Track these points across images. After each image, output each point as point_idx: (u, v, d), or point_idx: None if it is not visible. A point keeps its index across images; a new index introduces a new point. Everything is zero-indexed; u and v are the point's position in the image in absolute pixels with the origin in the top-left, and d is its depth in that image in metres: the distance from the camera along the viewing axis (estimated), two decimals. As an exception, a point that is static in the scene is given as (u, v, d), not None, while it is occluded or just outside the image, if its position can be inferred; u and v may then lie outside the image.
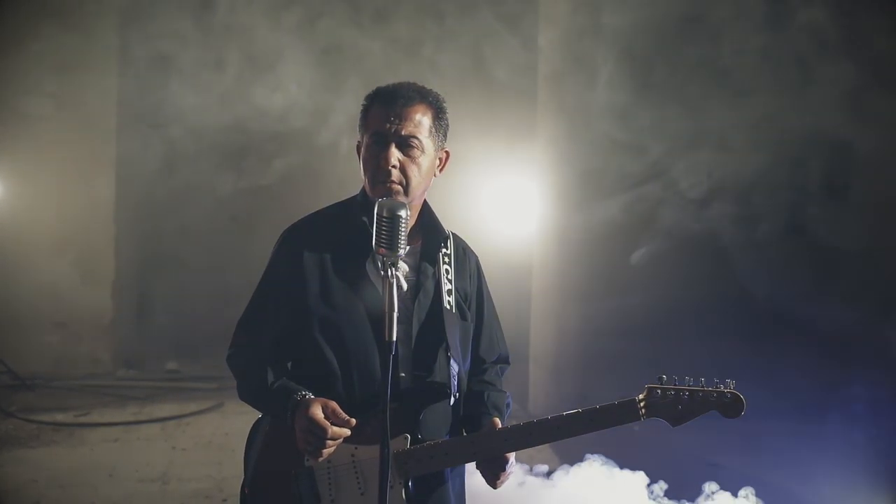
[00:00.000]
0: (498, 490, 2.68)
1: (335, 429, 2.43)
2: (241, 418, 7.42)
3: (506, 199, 8.19)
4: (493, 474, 2.63)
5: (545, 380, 7.74)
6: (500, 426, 2.63)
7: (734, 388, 2.50)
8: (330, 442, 2.43)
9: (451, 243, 2.80)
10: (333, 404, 2.47)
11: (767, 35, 6.23)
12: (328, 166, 8.12)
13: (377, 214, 2.32)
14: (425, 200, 2.76)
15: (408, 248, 2.39)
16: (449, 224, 2.82)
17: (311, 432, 2.43)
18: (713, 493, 4.90)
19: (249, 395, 2.70)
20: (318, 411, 2.44)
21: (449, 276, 2.75)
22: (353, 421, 2.45)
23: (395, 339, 2.27)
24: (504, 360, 2.96)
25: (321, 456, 2.46)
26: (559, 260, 7.63)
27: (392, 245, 2.30)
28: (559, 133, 7.55)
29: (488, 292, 2.93)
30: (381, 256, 2.33)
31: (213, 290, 9.19)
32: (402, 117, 2.60)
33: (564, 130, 7.46)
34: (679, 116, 6.32)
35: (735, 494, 4.92)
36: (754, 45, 6.24)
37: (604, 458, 4.89)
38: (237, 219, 9.27)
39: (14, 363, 8.30)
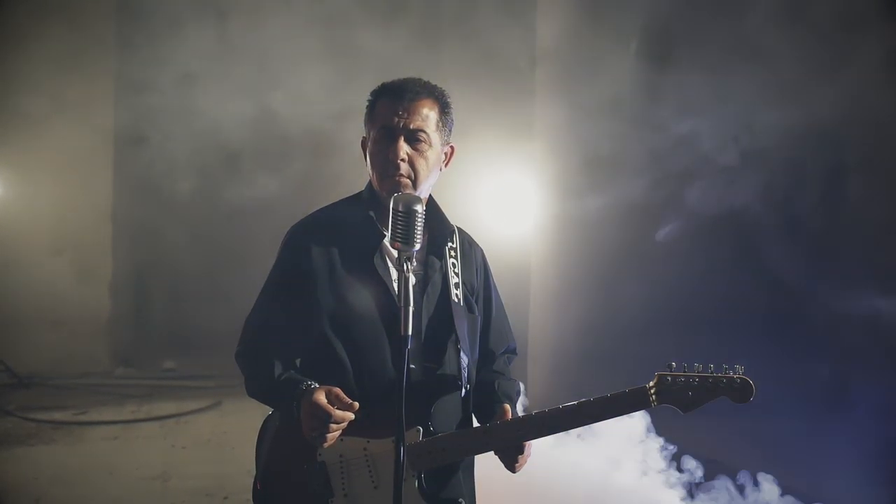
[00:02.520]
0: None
1: (339, 412, 2.45)
2: (239, 416, 7.47)
3: (505, 196, 8.18)
4: (512, 458, 2.65)
5: (545, 378, 7.75)
6: (510, 413, 2.67)
7: (743, 374, 2.52)
8: (334, 426, 2.45)
9: (456, 237, 2.83)
10: (337, 390, 2.48)
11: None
12: (326, 168, 8.11)
13: (392, 209, 2.32)
14: (430, 195, 2.78)
15: None
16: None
17: (315, 417, 2.45)
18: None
19: (257, 390, 2.71)
20: (321, 397, 2.46)
21: (456, 270, 2.77)
22: (356, 405, 2.46)
23: (410, 333, 2.26)
24: (512, 350, 3.00)
25: (326, 441, 2.47)
26: (558, 256, 7.64)
27: (408, 240, 2.30)
28: (558, 125, 7.53)
29: (495, 285, 2.98)
30: (396, 251, 2.33)
31: (211, 289, 9.20)
32: (409, 111, 2.63)
33: (564, 121, 7.42)
34: (699, 95, 6.17)
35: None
36: (782, 12, 6.00)
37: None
38: (234, 218, 9.26)
39: (12, 362, 8.32)
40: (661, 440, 5.18)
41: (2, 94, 8.37)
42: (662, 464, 5.08)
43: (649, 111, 6.59)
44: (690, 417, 2.57)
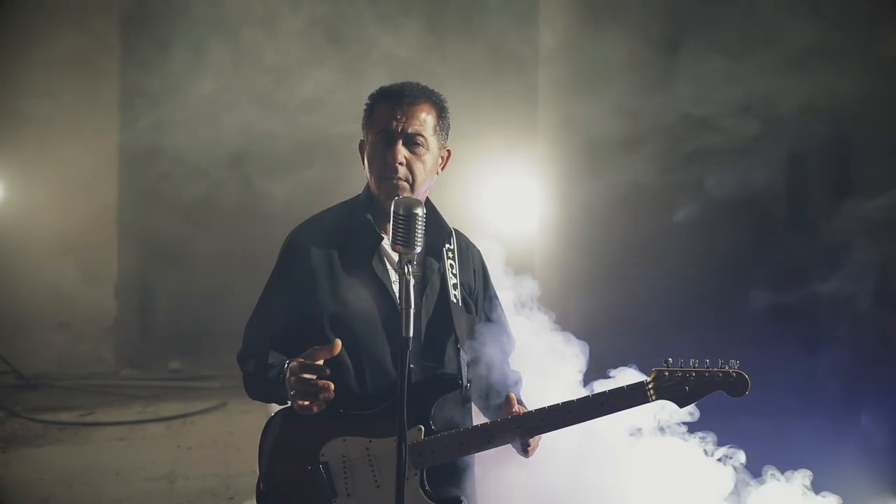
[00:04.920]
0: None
1: (311, 362, 2.45)
2: (245, 417, 7.48)
3: (508, 195, 8.18)
4: (524, 444, 2.69)
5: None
6: (515, 401, 2.73)
7: (738, 368, 2.60)
8: (322, 382, 2.44)
9: (454, 239, 2.87)
10: (315, 347, 2.50)
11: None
12: (334, 172, 8.11)
13: (393, 213, 2.32)
14: (427, 197, 2.82)
15: None
16: (452, 222, 2.89)
17: (296, 379, 2.45)
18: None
19: (255, 386, 2.73)
20: (299, 359, 2.48)
21: (454, 271, 2.81)
22: (338, 342, 2.48)
23: (411, 334, 2.27)
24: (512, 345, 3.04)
25: (314, 398, 2.45)
26: (563, 254, 7.63)
27: (409, 242, 2.31)
28: (562, 121, 7.50)
29: (492, 285, 3.01)
30: (397, 254, 2.35)
31: (216, 289, 9.22)
32: (408, 115, 2.67)
33: (569, 116, 7.38)
34: (707, 83, 6.08)
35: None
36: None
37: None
38: (239, 219, 9.29)
39: (19, 363, 8.34)
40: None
41: (7, 96, 8.39)
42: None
43: (658, 100, 6.52)
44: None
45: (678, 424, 3.20)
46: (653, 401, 2.61)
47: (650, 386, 2.61)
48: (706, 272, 6.96)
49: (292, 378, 2.46)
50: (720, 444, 3.67)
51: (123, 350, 9.31)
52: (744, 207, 6.59)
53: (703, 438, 3.53)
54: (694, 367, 2.61)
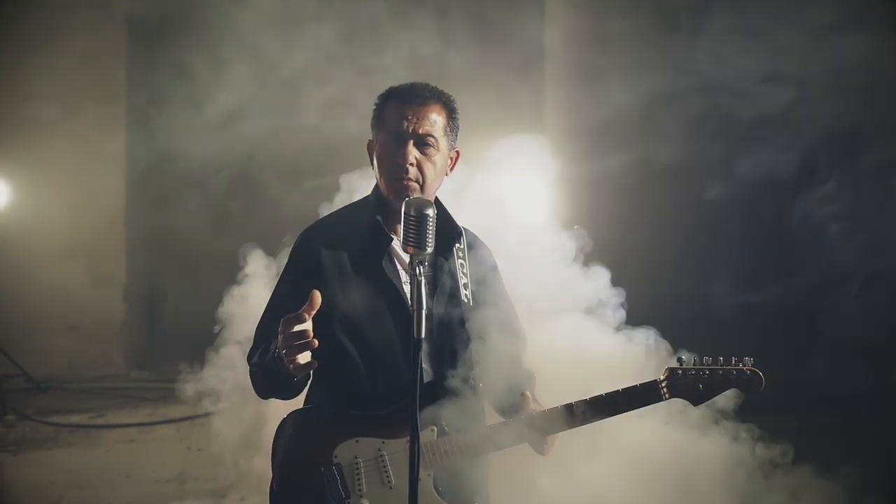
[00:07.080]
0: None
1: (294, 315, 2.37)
2: (255, 418, 7.49)
3: (521, 188, 8.12)
4: (540, 441, 2.68)
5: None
6: (531, 400, 2.71)
7: (753, 365, 2.59)
8: (308, 331, 2.36)
9: (464, 238, 2.86)
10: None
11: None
12: (345, 178, 8.07)
13: (405, 214, 2.28)
14: (437, 197, 2.82)
15: None
16: (464, 219, 2.89)
17: (282, 335, 2.37)
18: None
19: (258, 376, 2.69)
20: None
21: (464, 270, 2.81)
22: (317, 293, 2.39)
23: (423, 335, 2.23)
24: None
25: (304, 348, 2.37)
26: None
27: (420, 243, 2.26)
28: (569, 117, 7.46)
29: (503, 282, 3.00)
30: (408, 255, 2.33)
31: (224, 291, 9.22)
32: (419, 116, 2.67)
33: (576, 110, 7.33)
34: (720, 70, 5.99)
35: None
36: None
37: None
38: (249, 220, 9.28)
39: (28, 366, 8.36)
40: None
41: (15, 100, 8.42)
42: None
43: (672, 85, 6.44)
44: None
45: (728, 419, 3.21)
46: (666, 399, 2.61)
47: (663, 384, 2.61)
48: (734, 256, 6.83)
49: (280, 338, 2.38)
50: (768, 439, 3.65)
51: (132, 352, 9.34)
52: (769, 187, 6.48)
53: (750, 433, 3.53)
54: (707, 365, 2.61)
